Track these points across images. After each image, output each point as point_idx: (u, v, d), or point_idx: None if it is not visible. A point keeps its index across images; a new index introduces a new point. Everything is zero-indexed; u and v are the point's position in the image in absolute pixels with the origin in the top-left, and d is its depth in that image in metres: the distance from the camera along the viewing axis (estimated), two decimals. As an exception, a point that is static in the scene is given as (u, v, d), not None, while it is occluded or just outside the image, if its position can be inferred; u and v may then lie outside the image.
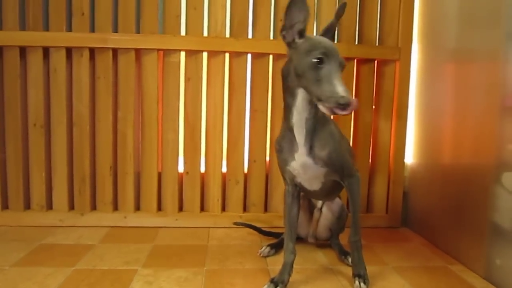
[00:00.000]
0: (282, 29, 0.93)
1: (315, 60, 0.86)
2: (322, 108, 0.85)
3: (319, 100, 0.85)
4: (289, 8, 0.90)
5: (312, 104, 0.95)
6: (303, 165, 1.00)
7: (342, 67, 0.89)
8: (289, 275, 1.04)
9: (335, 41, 1.50)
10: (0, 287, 1.00)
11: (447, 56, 1.37)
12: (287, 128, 1.00)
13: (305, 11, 0.91)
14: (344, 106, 0.80)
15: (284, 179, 1.08)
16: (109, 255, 1.23)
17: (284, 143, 1.02)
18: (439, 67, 1.41)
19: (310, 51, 0.88)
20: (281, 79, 0.98)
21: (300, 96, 0.94)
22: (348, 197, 1.08)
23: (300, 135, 0.98)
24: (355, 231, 1.08)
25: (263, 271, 1.14)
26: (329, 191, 1.13)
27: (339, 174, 1.04)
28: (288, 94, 0.97)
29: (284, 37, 0.94)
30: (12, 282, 1.03)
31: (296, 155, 1.00)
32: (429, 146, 1.47)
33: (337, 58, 0.87)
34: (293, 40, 0.93)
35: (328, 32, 1.01)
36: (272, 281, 1.02)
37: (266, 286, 1.01)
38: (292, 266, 1.05)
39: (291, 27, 0.92)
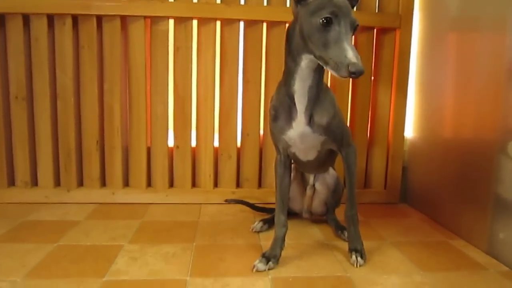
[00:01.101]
0: None
1: (323, 20, 0.77)
2: (331, 72, 0.78)
3: (327, 64, 0.78)
4: None
5: (316, 71, 0.89)
6: (301, 134, 0.94)
7: (354, 27, 0.80)
8: (281, 249, 1.00)
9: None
10: (-24, 264, 0.95)
11: (450, 24, 1.29)
12: (286, 94, 0.92)
13: None
14: (355, 73, 0.73)
15: (277, 147, 1.02)
16: (95, 231, 1.18)
17: (281, 110, 0.94)
18: (442, 36, 1.34)
19: (318, 10, 0.78)
20: (285, 40, 0.91)
21: (304, 62, 0.87)
22: (345, 169, 1.02)
23: (301, 103, 0.91)
24: (351, 204, 1.03)
25: (255, 247, 1.09)
26: (323, 161, 1.08)
27: (338, 142, 0.99)
28: (290, 58, 0.89)
29: None
30: (-11, 259, 0.98)
31: (294, 124, 0.93)
32: (430, 119, 1.41)
33: (348, 18, 0.78)
34: None
35: None
36: (263, 255, 0.97)
37: (257, 261, 0.96)
38: (284, 240, 1.00)
39: None
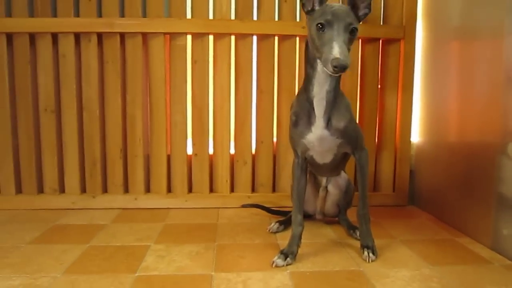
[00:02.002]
0: None
1: (317, 25, 0.88)
2: (326, 70, 0.88)
3: (322, 63, 0.88)
4: None
5: (332, 76, 0.97)
6: (319, 137, 1.02)
7: (349, 29, 0.88)
8: (298, 246, 1.07)
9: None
10: (16, 262, 1.04)
11: (451, 34, 1.37)
12: (306, 100, 1.01)
13: None
14: (337, 67, 0.82)
15: (295, 151, 1.10)
16: (122, 233, 1.26)
17: (301, 115, 1.03)
18: (444, 45, 1.42)
19: (317, 17, 0.90)
20: (304, 50, 1.00)
21: (320, 67, 0.95)
22: (357, 170, 1.10)
23: (319, 107, 0.99)
24: (363, 204, 1.10)
25: (273, 245, 1.17)
26: (338, 164, 1.15)
27: (352, 145, 1.06)
28: (309, 65, 0.98)
29: (303, 6, 0.95)
30: (28, 258, 1.06)
31: (313, 128, 1.01)
32: (435, 123, 1.48)
33: (342, 22, 0.87)
34: (312, 8, 0.94)
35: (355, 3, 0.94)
36: (282, 252, 1.05)
37: (276, 257, 1.03)
38: (300, 238, 1.08)
39: None
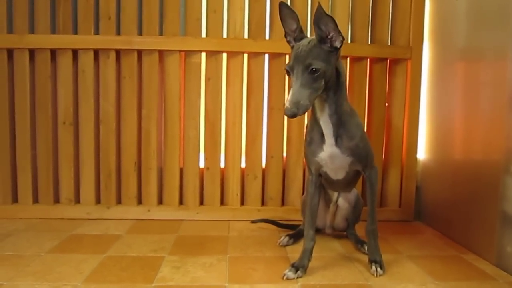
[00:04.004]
0: (285, 36, 1.03)
1: (285, 70, 0.97)
2: None
3: None
4: (280, 18, 1.00)
5: (328, 101, 1.02)
6: (331, 155, 1.07)
7: (308, 70, 0.92)
8: (309, 260, 1.11)
9: (349, 41, 1.57)
10: (38, 270, 1.08)
11: (457, 55, 1.42)
12: (315, 122, 1.07)
13: (295, 18, 1.00)
14: (287, 115, 0.90)
15: (309, 169, 1.15)
16: (137, 244, 1.30)
17: (314, 135, 1.09)
18: (450, 65, 1.47)
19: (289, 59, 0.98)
20: None
21: None
22: (367, 187, 1.14)
23: (327, 128, 1.05)
24: (372, 220, 1.14)
25: (283, 258, 1.20)
26: (350, 181, 1.20)
27: (363, 163, 1.11)
28: None
29: (289, 43, 1.03)
30: (49, 267, 1.11)
31: (324, 147, 1.07)
32: (441, 141, 1.52)
33: (301, 64, 0.93)
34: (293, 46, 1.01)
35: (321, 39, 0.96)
36: (293, 265, 1.09)
37: (287, 270, 1.07)
38: (311, 252, 1.12)
39: (289, 34, 1.02)
